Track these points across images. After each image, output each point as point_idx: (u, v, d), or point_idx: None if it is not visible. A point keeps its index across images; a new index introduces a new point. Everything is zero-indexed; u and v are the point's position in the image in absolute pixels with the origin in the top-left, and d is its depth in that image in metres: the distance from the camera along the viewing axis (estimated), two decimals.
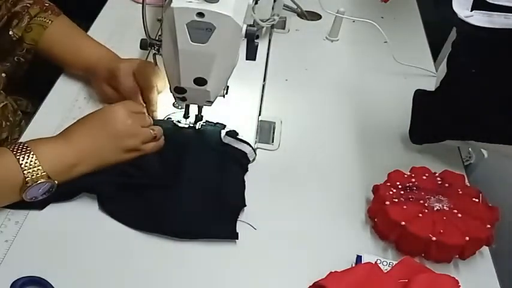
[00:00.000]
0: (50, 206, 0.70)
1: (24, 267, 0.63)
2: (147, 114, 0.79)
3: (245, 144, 0.79)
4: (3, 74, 0.83)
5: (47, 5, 0.91)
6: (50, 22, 0.89)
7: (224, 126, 0.82)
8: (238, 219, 0.71)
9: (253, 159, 0.80)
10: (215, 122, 0.82)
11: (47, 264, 0.64)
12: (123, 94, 0.82)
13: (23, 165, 0.64)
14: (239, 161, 0.78)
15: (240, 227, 0.70)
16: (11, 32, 0.87)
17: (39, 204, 0.69)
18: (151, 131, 0.75)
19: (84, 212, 0.70)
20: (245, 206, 0.72)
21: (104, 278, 0.64)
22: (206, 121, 0.82)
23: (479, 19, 0.63)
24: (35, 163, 0.65)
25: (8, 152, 0.65)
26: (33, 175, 0.64)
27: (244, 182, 0.76)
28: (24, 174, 0.64)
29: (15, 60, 0.89)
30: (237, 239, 0.68)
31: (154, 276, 0.65)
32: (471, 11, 0.64)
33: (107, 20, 1.06)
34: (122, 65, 0.83)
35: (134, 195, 0.72)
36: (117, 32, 1.02)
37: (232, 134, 0.80)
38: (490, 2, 0.63)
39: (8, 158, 0.64)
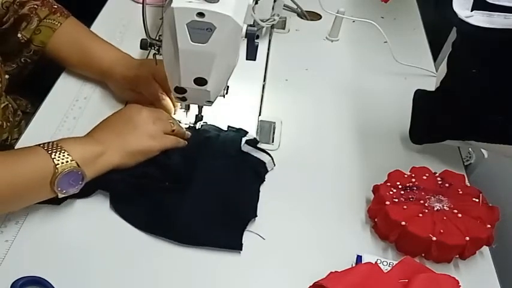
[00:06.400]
0: (51, 206, 0.70)
1: (24, 267, 0.63)
2: (171, 121, 0.78)
3: (264, 154, 0.79)
4: (7, 76, 0.83)
5: (55, 7, 0.90)
6: (59, 24, 0.88)
7: (246, 133, 0.81)
8: (247, 229, 0.70)
9: (272, 169, 0.79)
10: (238, 127, 0.82)
11: (47, 264, 0.64)
12: (149, 99, 0.82)
13: (54, 158, 0.65)
14: (256, 171, 0.77)
15: None
16: (19, 35, 0.86)
17: (56, 199, 0.68)
18: (171, 123, 0.76)
19: (85, 212, 0.71)
20: (256, 216, 0.71)
21: (104, 278, 0.64)
22: (229, 127, 0.82)
23: (480, 19, 0.63)
24: (64, 153, 0.66)
25: (40, 149, 0.66)
26: (63, 163, 0.65)
27: (258, 192, 0.75)
28: (54, 162, 0.65)
29: (22, 62, 0.89)
30: (241, 250, 0.68)
31: (157, 279, 0.65)
32: (471, 11, 0.64)
33: (107, 20, 1.06)
34: (141, 72, 0.81)
35: (145, 196, 0.72)
36: (117, 32, 1.02)
37: (252, 142, 0.79)
38: (490, 2, 0.63)
39: (41, 153, 0.65)
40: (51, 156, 0.65)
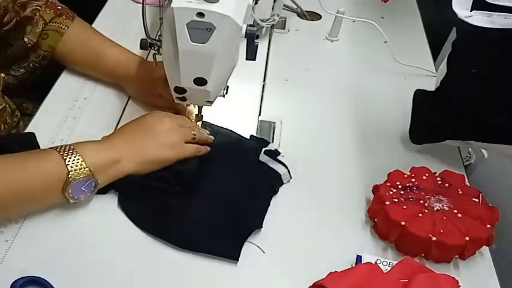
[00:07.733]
0: (51, 206, 0.70)
1: (24, 267, 0.63)
2: (193, 128, 0.77)
3: (281, 165, 0.78)
4: (3, 75, 0.83)
5: (59, 8, 0.88)
6: (66, 28, 0.86)
7: (267, 144, 0.80)
8: (247, 240, 0.69)
9: (288, 182, 0.78)
10: (261, 137, 0.82)
11: (47, 264, 0.64)
12: (169, 101, 0.79)
13: (68, 163, 0.65)
14: (271, 183, 0.76)
15: None
16: (26, 39, 0.84)
17: None
18: (192, 132, 0.75)
19: (84, 212, 0.70)
20: (261, 227, 0.70)
21: (104, 278, 0.64)
22: (251, 136, 0.82)
23: (479, 19, 0.63)
24: (78, 160, 0.65)
25: (54, 152, 0.66)
26: (76, 170, 0.65)
27: (268, 205, 0.73)
28: (68, 169, 0.64)
29: (31, 67, 0.87)
30: (238, 260, 0.67)
31: (157, 280, 0.65)
32: (471, 11, 0.64)
33: (107, 20, 1.06)
34: (159, 74, 0.78)
35: (154, 197, 0.71)
36: (117, 32, 1.02)
37: (272, 153, 0.79)
38: (490, 2, 0.63)
39: (54, 157, 0.65)
40: (65, 162, 0.64)
